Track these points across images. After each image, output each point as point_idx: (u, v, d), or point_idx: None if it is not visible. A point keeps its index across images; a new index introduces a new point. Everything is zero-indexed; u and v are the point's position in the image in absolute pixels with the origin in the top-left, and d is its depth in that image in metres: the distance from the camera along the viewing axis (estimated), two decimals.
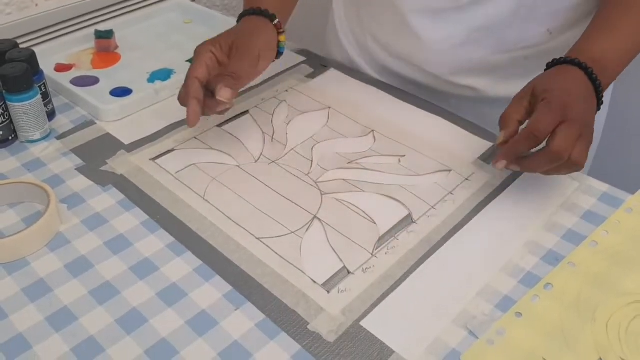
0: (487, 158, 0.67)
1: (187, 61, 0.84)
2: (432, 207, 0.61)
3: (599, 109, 0.60)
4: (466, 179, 0.64)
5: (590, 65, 0.59)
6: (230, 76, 0.61)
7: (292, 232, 0.58)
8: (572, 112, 0.55)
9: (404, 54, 0.79)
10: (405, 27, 0.75)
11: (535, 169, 0.58)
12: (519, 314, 0.50)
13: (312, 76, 0.82)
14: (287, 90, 0.79)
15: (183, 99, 0.62)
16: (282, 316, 0.50)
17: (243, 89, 0.71)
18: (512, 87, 0.64)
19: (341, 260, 0.55)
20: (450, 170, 0.65)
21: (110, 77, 0.81)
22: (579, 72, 0.59)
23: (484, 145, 0.69)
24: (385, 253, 0.56)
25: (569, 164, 0.55)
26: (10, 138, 0.68)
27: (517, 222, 0.59)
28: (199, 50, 0.64)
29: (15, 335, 0.48)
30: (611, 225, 0.58)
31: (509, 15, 0.66)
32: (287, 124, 0.73)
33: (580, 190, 0.62)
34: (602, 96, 0.60)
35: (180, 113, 0.74)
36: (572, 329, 0.49)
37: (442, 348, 0.48)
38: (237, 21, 0.70)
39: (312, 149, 0.68)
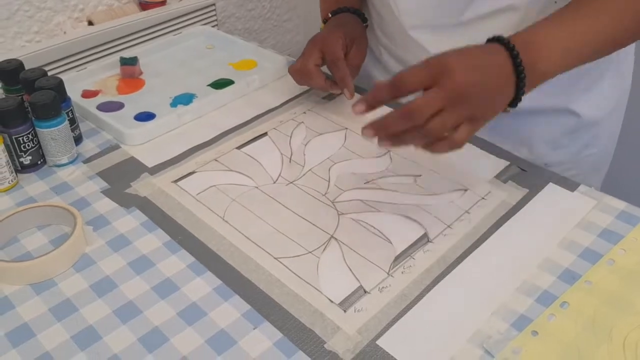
0: (503, 177, 0.67)
1: (208, 85, 0.87)
2: (448, 226, 0.61)
3: (517, 98, 0.55)
4: (482, 198, 0.64)
5: (518, 47, 0.53)
6: (354, 67, 0.75)
7: (310, 252, 0.59)
8: (451, 79, 0.50)
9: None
10: (411, 41, 0.76)
11: (389, 126, 0.52)
12: (535, 333, 0.50)
13: (329, 98, 0.83)
14: (304, 112, 0.80)
15: (341, 79, 0.73)
16: (299, 335, 0.51)
17: (263, 111, 0.80)
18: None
19: (357, 279, 0.56)
20: (466, 190, 0.66)
21: (134, 102, 0.83)
22: (502, 52, 0.54)
23: (499, 164, 0.69)
24: (402, 272, 0.56)
25: (433, 136, 0.51)
26: (39, 162, 0.71)
27: (533, 241, 0.59)
28: (333, 40, 0.74)
29: (42, 354, 0.49)
30: (628, 243, 0.58)
31: (511, 31, 0.67)
32: (305, 145, 0.74)
33: (597, 208, 0.62)
34: (524, 84, 0.54)
35: (201, 136, 0.76)
36: (588, 347, 0.49)
37: None
38: (324, 21, 0.82)
39: (329, 169, 0.70)
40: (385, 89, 0.52)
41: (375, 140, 0.54)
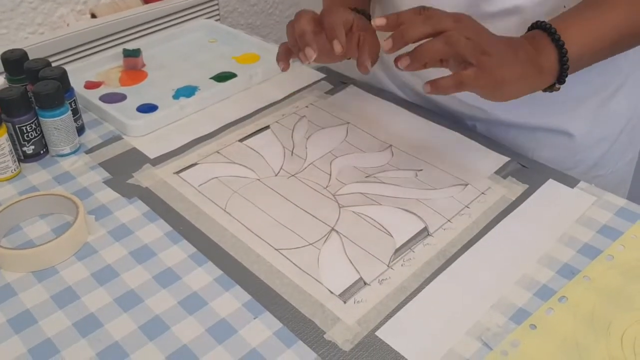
0: (503, 173, 0.68)
1: (210, 78, 0.87)
2: (448, 220, 0.61)
3: (559, 81, 0.58)
4: (482, 193, 0.65)
5: (559, 32, 0.56)
6: (373, 57, 0.63)
7: (310, 244, 0.59)
8: (472, 20, 0.53)
9: None
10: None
11: (405, 23, 0.52)
12: (533, 326, 0.51)
13: (331, 92, 0.84)
14: (307, 106, 0.81)
15: (331, 34, 0.59)
16: (299, 325, 0.51)
17: (265, 104, 0.78)
18: (521, 110, 0.63)
19: (358, 271, 0.56)
20: (466, 185, 0.66)
21: (137, 94, 0.84)
22: (534, 31, 0.57)
23: (500, 160, 0.69)
24: (401, 265, 0.57)
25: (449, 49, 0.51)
26: (42, 152, 0.71)
27: (532, 236, 0.59)
28: (339, 10, 0.62)
29: (44, 340, 0.50)
30: (627, 239, 0.59)
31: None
32: (307, 138, 0.74)
33: (597, 204, 0.63)
34: (566, 56, 0.56)
35: (203, 128, 0.76)
36: (586, 342, 0.49)
37: (456, 359, 0.48)
38: None
39: (330, 163, 0.70)
40: (408, 12, 0.53)
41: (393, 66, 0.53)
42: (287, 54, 0.65)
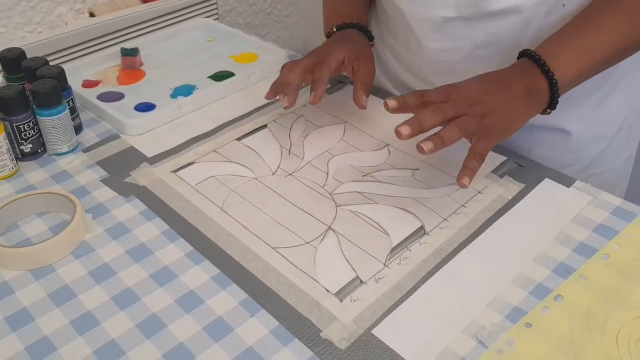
0: (500, 172, 0.68)
1: (209, 78, 0.87)
2: (445, 219, 0.62)
3: (551, 106, 0.62)
4: (479, 193, 0.65)
5: (545, 58, 0.61)
6: (366, 85, 0.71)
7: (307, 243, 0.59)
8: (456, 89, 0.59)
9: (414, 67, 0.79)
10: (413, 38, 0.75)
11: (423, 123, 0.58)
12: (529, 325, 0.51)
13: (329, 92, 0.84)
14: (304, 106, 0.81)
15: (316, 80, 0.68)
16: (295, 324, 0.51)
17: (263, 104, 0.79)
18: None
19: (354, 270, 0.56)
20: None
21: (135, 93, 0.84)
22: (523, 61, 0.62)
23: (496, 159, 0.70)
24: (398, 264, 0.57)
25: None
26: (40, 151, 0.72)
27: (528, 235, 0.60)
28: (332, 51, 0.71)
29: (41, 338, 0.50)
30: (623, 239, 0.59)
31: (515, 34, 0.67)
32: (305, 137, 0.75)
33: (593, 204, 0.63)
34: (556, 82, 0.61)
35: (201, 127, 0.77)
36: (581, 341, 0.50)
37: (452, 357, 0.49)
38: (328, 35, 0.79)
39: (328, 162, 0.70)
40: (412, 96, 0.60)
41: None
42: (275, 92, 0.70)
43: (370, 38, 0.79)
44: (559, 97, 0.62)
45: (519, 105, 0.60)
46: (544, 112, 0.64)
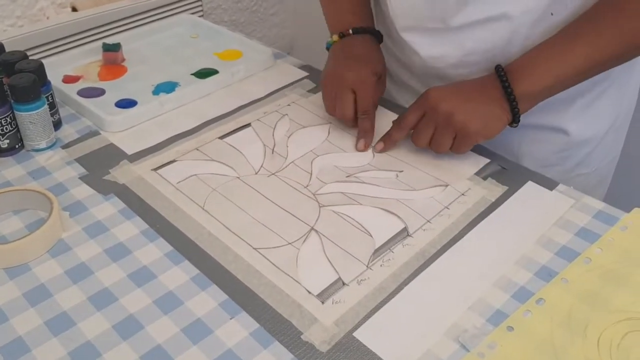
0: (483, 174, 0.68)
1: (192, 74, 0.86)
2: (428, 221, 0.61)
3: (514, 115, 0.65)
4: (462, 194, 0.65)
5: (509, 71, 0.64)
6: (366, 113, 0.73)
7: (289, 243, 0.58)
8: (427, 99, 0.65)
9: (411, 68, 0.79)
10: (404, 42, 0.75)
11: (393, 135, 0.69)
12: (510, 328, 0.51)
13: (314, 91, 0.83)
14: (289, 105, 0.80)
15: (365, 131, 0.72)
16: (276, 326, 0.51)
17: (247, 102, 0.79)
18: None
19: (337, 271, 0.56)
20: (446, 186, 0.66)
21: (116, 89, 0.82)
22: (491, 75, 0.66)
23: (480, 161, 0.69)
24: (380, 265, 0.56)
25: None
26: (17, 146, 0.70)
27: (511, 238, 0.59)
28: (366, 81, 0.72)
29: (15, 338, 0.49)
30: (605, 242, 0.59)
31: (503, 40, 0.67)
32: (288, 137, 0.74)
33: (575, 207, 0.63)
34: (515, 102, 0.64)
35: (183, 125, 0.76)
36: (563, 344, 0.50)
37: None
38: (341, 35, 0.78)
39: (311, 162, 0.70)
40: (396, 131, 0.69)
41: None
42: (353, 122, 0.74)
43: (380, 39, 0.79)
44: (519, 112, 0.65)
45: (496, 108, 0.64)
46: (510, 125, 0.66)
